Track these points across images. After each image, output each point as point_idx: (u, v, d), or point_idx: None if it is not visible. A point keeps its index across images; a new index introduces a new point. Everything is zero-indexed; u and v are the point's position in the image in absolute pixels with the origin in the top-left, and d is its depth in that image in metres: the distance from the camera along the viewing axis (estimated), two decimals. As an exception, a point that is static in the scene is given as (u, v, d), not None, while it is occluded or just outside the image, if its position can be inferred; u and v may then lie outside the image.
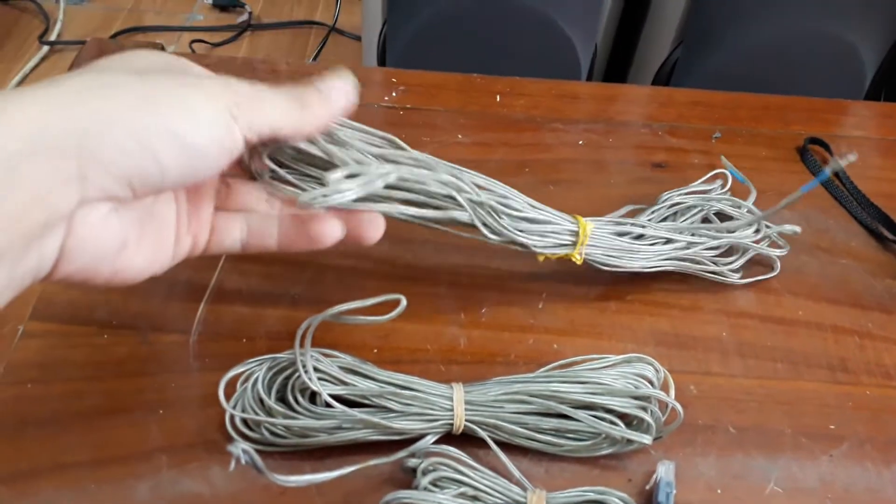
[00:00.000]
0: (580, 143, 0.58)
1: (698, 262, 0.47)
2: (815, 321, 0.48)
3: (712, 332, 0.47)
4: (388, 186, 0.37)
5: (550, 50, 0.91)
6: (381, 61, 0.99)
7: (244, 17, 1.72)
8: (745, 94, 0.64)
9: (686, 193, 0.51)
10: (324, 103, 0.34)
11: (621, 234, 0.46)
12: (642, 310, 0.48)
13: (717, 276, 0.48)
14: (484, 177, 0.41)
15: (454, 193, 0.39)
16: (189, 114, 0.29)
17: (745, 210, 0.50)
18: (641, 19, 1.06)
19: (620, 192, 0.55)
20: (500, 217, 0.41)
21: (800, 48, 0.91)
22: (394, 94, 0.60)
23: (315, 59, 1.63)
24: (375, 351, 0.44)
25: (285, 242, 0.38)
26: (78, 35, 1.66)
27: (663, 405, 0.40)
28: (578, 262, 0.44)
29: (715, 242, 0.47)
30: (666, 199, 0.50)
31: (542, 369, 0.42)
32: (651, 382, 0.40)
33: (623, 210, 0.50)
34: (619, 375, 0.40)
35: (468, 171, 0.41)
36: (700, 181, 0.53)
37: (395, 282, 0.46)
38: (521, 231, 0.42)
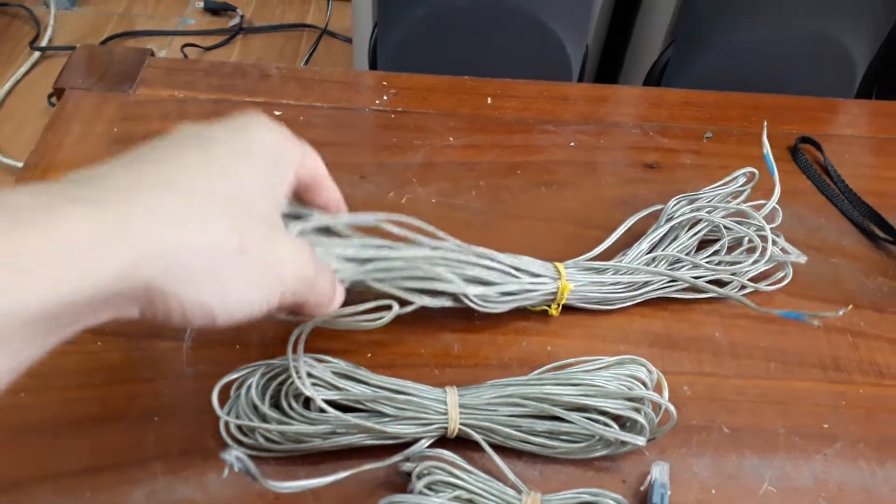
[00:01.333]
0: (571, 144, 0.58)
1: (688, 289, 0.48)
2: (807, 320, 0.48)
3: (705, 333, 0.47)
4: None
5: (541, 52, 0.91)
6: (373, 64, 0.99)
7: (236, 20, 1.72)
8: (736, 93, 0.64)
9: (692, 202, 0.49)
10: (327, 303, 0.36)
11: (600, 283, 0.46)
12: (635, 311, 0.48)
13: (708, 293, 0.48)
14: (472, 254, 0.42)
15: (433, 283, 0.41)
16: (246, 305, 0.30)
17: (753, 229, 0.47)
18: (632, 20, 1.06)
19: (612, 192, 0.55)
20: (482, 301, 0.43)
21: (790, 47, 0.91)
22: (385, 97, 0.60)
23: (307, 62, 1.63)
24: (369, 356, 0.44)
25: None
26: (69, 40, 1.66)
27: (657, 406, 0.40)
28: (555, 315, 0.46)
29: (705, 279, 0.47)
30: (674, 209, 0.49)
31: (536, 372, 0.42)
32: (644, 384, 0.40)
33: (628, 223, 0.49)
34: (613, 377, 0.40)
35: (453, 252, 0.41)
36: (725, 180, 0.50)
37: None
38: (504, 302, 0.44)
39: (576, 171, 0.56)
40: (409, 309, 0.40)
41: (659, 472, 0.39)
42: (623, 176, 0.56)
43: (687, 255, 0.47)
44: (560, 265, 0.45)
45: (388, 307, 0.38)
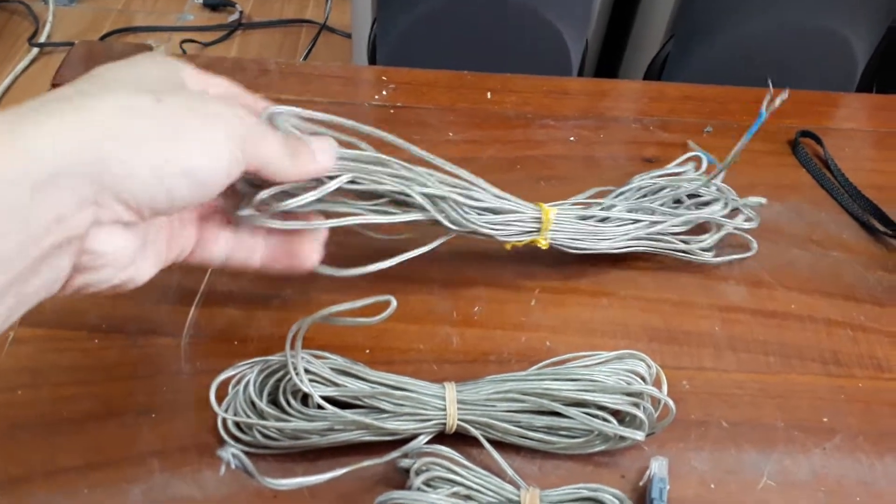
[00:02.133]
0: (571, 139, 0.58)
1: (667, 242, 0.48)
2: (807, 314, 0.48)
3: (705, 327, 0.47)
4: (343, 191, 0.39)
5: (541, 46, 0.91)
6: (372, 59, 0.99)
7: (235, 16, 1.72)
8: (736, 88, 0.64)
9: (657, 176, 0.51)
10: (310, 160, 0.37)
11: (586, 218, 0.46)
12: (634, 305, 0.48)
13: (688, 254, 0.49)
14: (449, 166, 0.42)
15: (408, 189, 0.40)
16: (208, 151, 0.31)
17: (714, 188, 0.49)
18: (632, 14, 1.06)
19: (612, 187, 0.54)
20: (461, 209, 0.42)
21: (791, 41, 0.91)
22: (384, 92, 0.60)
23: (306, 57, 1.62)
24: (368, 352, 0.44)
25: (268, 262, 0.39)
26: (68, 36, 1.66)
27: (656, 401, 0.40)
28: (544, 247, 0.45)
29: (681, 219, 0.47)
30: (635, 182, 0.50)
31: (535, 367, 0.42)
32: (643, 378, 0.40)
33: (589, 192, 0.50)
34: (612, 372, 0.40)
35: (431, 169, 0.42)
36: (672, 164, 0.53)
37: (387, 282, 0.45)
38: (485, 223, 0.43)
39: (576, 165, 0.56)
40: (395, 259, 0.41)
41: (658, 467, 0.39)
42: (623, 170, 0.56)
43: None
44: (542, 203, 0.45)
45: (387, 303, 0.38)
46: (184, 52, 1.61)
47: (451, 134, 0.58)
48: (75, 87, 0.30)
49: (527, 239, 0.45)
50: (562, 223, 0.45)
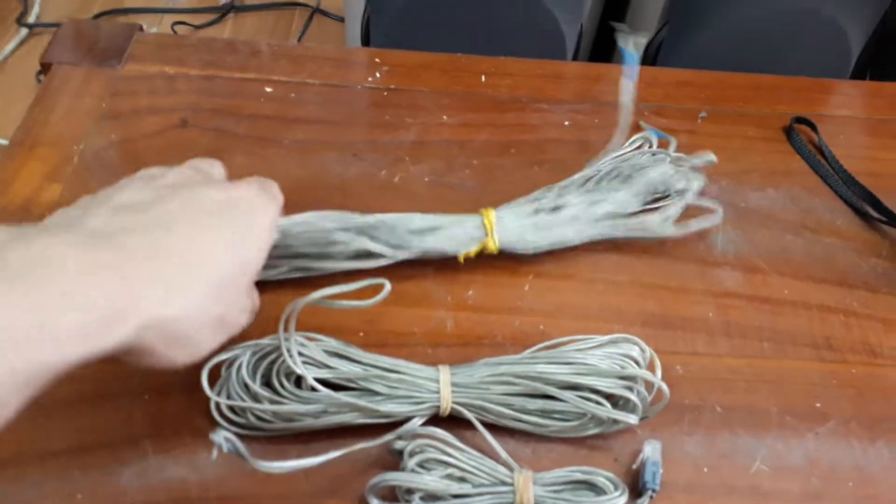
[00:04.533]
0: (566, 123, 0.58)
1: (624, 223, 0.48)
2: (800, 300, 0.48)
3: (699, 313, 0.47)
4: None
5: (536, 30, 0.90)
6: (365, 42, 0.98)
7: (227, -2, 1.70)
8: (731, 73, 0.63)
9: (611, 159, 0.50)
10: None
11: (535, 213, 0.46)
12: (629, 291, 0.47)
13: (648, 231, 0.48)
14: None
15: (340, 234, 0.43)
16: (203, 355, 0.35)
17: (664, 156, 0.49)
18: (626, 0, 1.05)
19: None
20: (400, 233, 0.44)
21: (786, 27, 0.91)
22: (377, 74, 0.60)
23: (299, 40, 1.61)
24: (361, 335, 0.44)
25: None
26: (57, 17, 1.64)
27: (650, 385, 0.40)
28: (495, 251, 0.45)
29: (627, 193, 0.47)
30: (584, 169, 0.50)
31: (529, 350, 0.42)
32: (637, 363, 0.40)
33: (576, 175, 0.50)
34: (605, 356, 0.40)
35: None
36: (624, 145, 0.52)
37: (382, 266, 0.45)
38: (428, 239, 0.44)
39: (570, 150, 0.56)
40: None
41: (651, 451, 0.39)
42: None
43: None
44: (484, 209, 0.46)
45: (381, 286, 0.38)
46: (175, 34, 1.60)
47: (444, 117, 0.57)
48: (174, 237, 0.33)
49: (475, 246, 0.45)
50: (507, 225, 0.45)
